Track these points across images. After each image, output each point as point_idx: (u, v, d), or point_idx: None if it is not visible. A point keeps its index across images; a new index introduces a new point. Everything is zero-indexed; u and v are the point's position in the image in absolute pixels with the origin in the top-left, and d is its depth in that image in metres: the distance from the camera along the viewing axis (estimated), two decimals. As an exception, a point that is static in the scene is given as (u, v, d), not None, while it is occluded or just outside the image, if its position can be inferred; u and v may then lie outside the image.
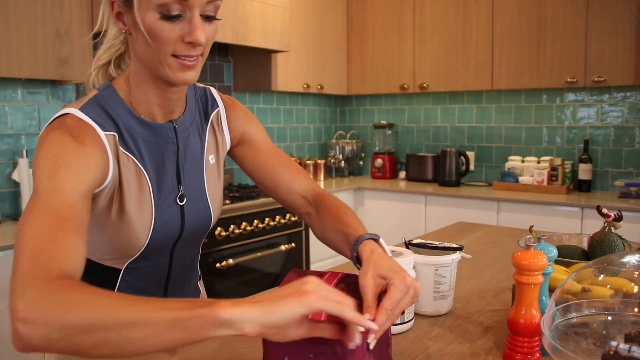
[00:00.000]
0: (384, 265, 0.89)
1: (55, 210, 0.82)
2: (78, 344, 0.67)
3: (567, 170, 3.55)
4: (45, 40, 2.49)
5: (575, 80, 3.31)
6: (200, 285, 1.33)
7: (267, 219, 3.09)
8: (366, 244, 0.97)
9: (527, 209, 3.26)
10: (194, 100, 1.16)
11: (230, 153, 1.25)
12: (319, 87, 4.06)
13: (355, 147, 4.59)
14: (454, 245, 1.26)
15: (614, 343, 0.80)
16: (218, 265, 2.82)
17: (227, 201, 2.98)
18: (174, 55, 0.95)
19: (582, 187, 3.53)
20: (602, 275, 1.02)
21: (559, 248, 1.23)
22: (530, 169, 3.63)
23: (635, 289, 0.95)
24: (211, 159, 1.17)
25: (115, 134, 1.00)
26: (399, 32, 4.02)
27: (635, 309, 0.94)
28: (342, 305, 0.70)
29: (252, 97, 4.04)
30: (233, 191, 3.29)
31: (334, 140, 4.59)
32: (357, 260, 0.98)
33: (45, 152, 0.89)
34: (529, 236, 1.23)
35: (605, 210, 1.33)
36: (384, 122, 4.43)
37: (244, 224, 2.96)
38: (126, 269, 1.09)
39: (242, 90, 3.85)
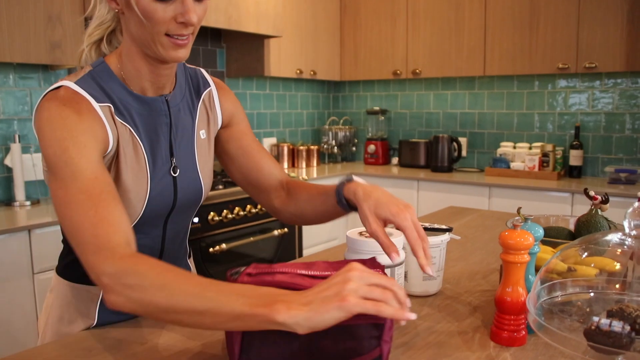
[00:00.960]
0: (381, 208, 0.97)
1: (85, 190, 0.89)
2: (157, 317, 0.80)
3: (558, 157, 3.59)
4: (37, 24, 2.48)
5: (567, 66, 3.33)
6: (190, 262, 1.35)
7: (258, 205, 3.10)
8: (349, 186, 1.04)
9: (518, 194, 3.29)
10: (184, 78, 1.18)
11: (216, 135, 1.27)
12: (312, 72, 4.06)
13: (348, 133, 4.60)
14: (444, 227, 1.28)
15: (595, 318, 0.82)
16: (211, 249, 2.84)
17: (220, 186, 2.99)
18: (167, 35, 0.98)
19: (572, 173, 3.56)
20: (585, 254, 1.04)
21: (546, 229, 1.25)
22: (522, 155, 3.66)
23: (618, 267, 0.97)
24: (202, 134, 1.19)
25: (110, 105, 1.03)
26: (392, 17, 4.02)
27: (617, 286, 0.96)
28: (379, 305, 0.73)
29: (245, 83, 4.04)
30: (226, 176, 3.29)
31: (326, 126, 4.60)
32: (346, 205, 1.08)
33: (49, 132, 0.93)
34: (517, 217, 1.26)
35: (592, 193, 1.35)
36: (376, 108, 4.44)
37: (237, 209, 2.97)
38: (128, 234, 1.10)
39: (235, 76, 3.85)
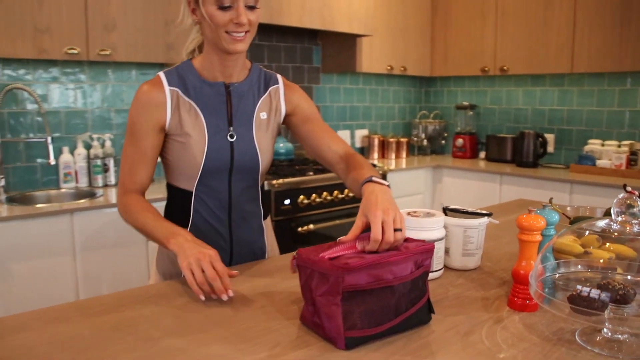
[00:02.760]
0: (367, 208, 1.16)
1: (133, 153, 1.45)
2: (131, 228, 1.44)
3: (648, 155, 3.56)
4: (156, 28, 2.88)
5: (658, 64, 3.31)
6: (266, 224, 1.65)
7: (346, 190, 3.36)
8: (366, 186, 1.27)
9: (600, 192, 3.33)
10: (257, 77, 1.56)
11: (287, 122, 1.61)
12: (402, 68, 4.26)
13: (437, 127, 4.76)
14: (484, 212, 1.47)
15: (579, 287, 1.01)
16: (300, 229, 3.13)
17: (310, 172, 3.27)
18: (227, 32, 1.37)
19: (662, 171, 3.53)
20: (602, 240, 1.21)
21: (576, 218, 1.41)
22: (609, 152, 3.66)
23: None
24: (262, 115, 1.53)
25: (178, 89, 1.46)
26: (482, 15, 4.13)
27: (619, 269, 1.12)
28: (191, 277, 1.21)
29: (340, 78, 4.31)
30: (316, 163, 3.58)
31: (417, 120, 4.78)
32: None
33: (132, 106, 1.45)
34: (548, 205, 1.43)
35: (629, 188, 1.49)
36: (465, 103, 4.56)
37: (324, 193, 3.24)
38: (196, 191, 1.49)
39: (330, 71, 4.13)
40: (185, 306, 1.21)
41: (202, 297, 1.20)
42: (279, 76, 1.61)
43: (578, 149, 4.02)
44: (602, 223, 1.09)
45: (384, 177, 3.68)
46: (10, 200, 2.68)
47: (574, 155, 4.03)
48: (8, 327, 1.09)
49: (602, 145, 3.78)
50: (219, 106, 1.48)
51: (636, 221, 1.03)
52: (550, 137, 4.13)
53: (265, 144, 1.54)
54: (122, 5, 2.77)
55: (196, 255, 1.22)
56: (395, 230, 1.10)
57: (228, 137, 1.48)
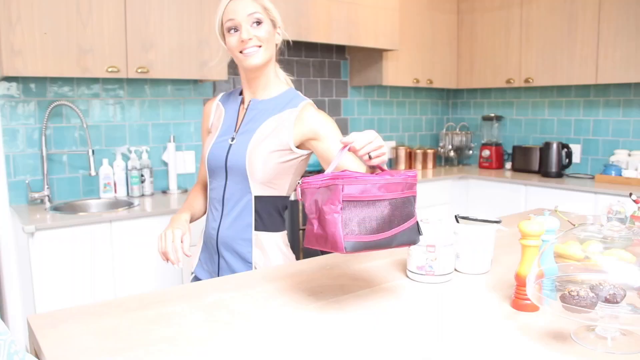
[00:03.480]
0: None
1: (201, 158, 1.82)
2: None
3: (674, 165, 3.57)
4: (190, 46, 3.05)
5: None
6: (261, 237, 1.70)
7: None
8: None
9: (626, 201, 3.35)
10: (284, 99, 1.70)
11: (308, 146, 1.66)
12: (428, 81, 4.36)
13: (464, 138, 4.83)
14: (494, 219, 1.57)
15: (570, 286, 1.10)
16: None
17: (337, 184, 3.38)
18: (240, 52, 1.62)
19: (689, 181, 3.54)
20: (603, 247, 1.29)
21: (580, 224, 1.49)
22: (636, 162, 3.69)
23: (633, 259, 1.22)
24: (265, 129, 1.65)
25: (221, 101, 1.82)
26: (507, 28, 4.21)
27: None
28: (158, 243, 1.63)
29: (367, 91, 4.43)
30: (344, 175, 3.69)
31: (444, 131, 4.86)
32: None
33: None
34: (548, 211, 1.51)
35: (634, 197, 1.57)
36: (491, 114, 4.63)
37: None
38: (209, 183, 1.76)
39: (357, 84, 4.25)
40: (213, 304, 1.33)
41: (164, 259, 1.62)
42: (304, 102, 1.68)
43: (604, 158, 4.04)
44: (592, 228, 1.17)
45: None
46: (55, 209, 2.86)
47: (600, 165, 4.05)
48: (58, 319, 1.23)
49: (629, 155, 3.80)
50: (235, 115, 1.74)
51: (623, 226, 1.12)
52: (576, 148, 4.17)
53: (257, 154, 1.62)
54: (159, 26, 2.94)
55: (166, 230, 1.62)
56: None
57: (229, 141, 1.69)
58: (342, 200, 1.15)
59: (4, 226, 2.94)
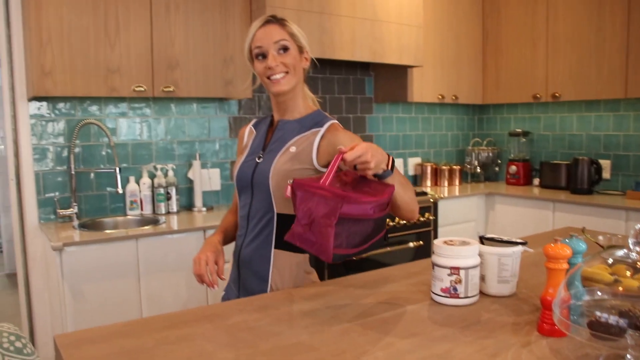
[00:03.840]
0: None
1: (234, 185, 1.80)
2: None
3: None
4: (215, 65, 3.08)
5: None
6: (272, 252, 1.68)
7: (397, 218, 3.44)
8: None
9: (658, 218, 3.28)
10: (311, 119, 1.71)
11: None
12: (453, 97, 4.33)
13: (491, 154, 4.78)
14: (519, 241, 1.54)
15: (598, 313, 1.07)
16: (353, 257, 3.21)
17: (361, 201, 3.37)
18: (268, 78, 1.65)
19: None
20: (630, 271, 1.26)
21: (608, 247, 1.46)
22: (667, 178, 3.60)
23: None
24: (292, 148, 1.67)
25: (254, 125, 1.86)
26: (533, 42, 4.16)
27: None
28: (194, 267, 1.68)
29: (392, 107, 4.42)
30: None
31: (470, 147, 4.82)
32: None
33: None
34: (572, 234, 1.48)
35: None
36: (518, 130, 4.58)
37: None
38: (239, 205, 1.77)
39: (382, 101, 4.25)
40: (237, 325, 1.33)
41: (199, 282, 1.68)
42: (330, 122, 1.69)
43: (636, 174, 3.96)
44: (620, 252, 1.15)
45: (435, 205, 3.73)
46: (82, 226, 2.90)
47: (631, 181, 3.97)
48: (83, 339, 1.24)
49: (660, 171, 3.72)
50: (264, 135, 1.78)
51: (653, 251, 1.09)
52: (606, 163, 4.09)
53: (282, 171, 1.63)
54: (184, 46, 2.99)
55: (200, 254, 1.67)
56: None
57: (257, 159, 1.73)
58: (339, 216, 1.25)
59: (34, 243, 3.00)
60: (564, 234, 2.42)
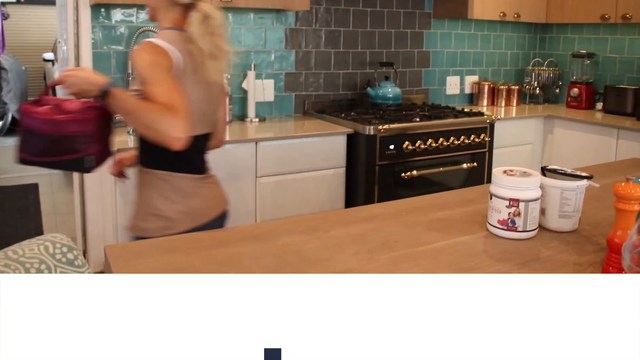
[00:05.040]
0: None
1: None
2: None
3: None
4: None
5: None
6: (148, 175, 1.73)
7: (452, 138, 3.35)
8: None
9: None
10: None
11: None
12: (515, 15, 4.10)
13: (552, 75, 4.55)
14: (584, 174, 1.45)
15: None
16: (403, 175, 3.18)
17: (417, 119, 3.30)
18: None
19: None
20: None
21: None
22: None
23: None
24: None
25: None
26: (608, -43, 3.83)
27: None
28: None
29: (451, 24, 4.22)
30: (424, 110, 3.58)
31: (530, 67, 4.60)
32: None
33: None
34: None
35: None
36: (583, 51, 4.32)
37: (430, 140, 3.25)
38: None
39: (441, 17, 4.06)
40: (285, 247, 1.31)
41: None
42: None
43: None
44: None
45: (491, 126, 3.58)
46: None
47: (703, 110, 3.73)
48: (132, 253, 1.26)
49: None
50: None
51: None
52: (676, 90, 3.84)
53: None
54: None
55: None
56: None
57: None
58: (22, 126, 1.54)
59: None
60: (631, 166, 2.30)
